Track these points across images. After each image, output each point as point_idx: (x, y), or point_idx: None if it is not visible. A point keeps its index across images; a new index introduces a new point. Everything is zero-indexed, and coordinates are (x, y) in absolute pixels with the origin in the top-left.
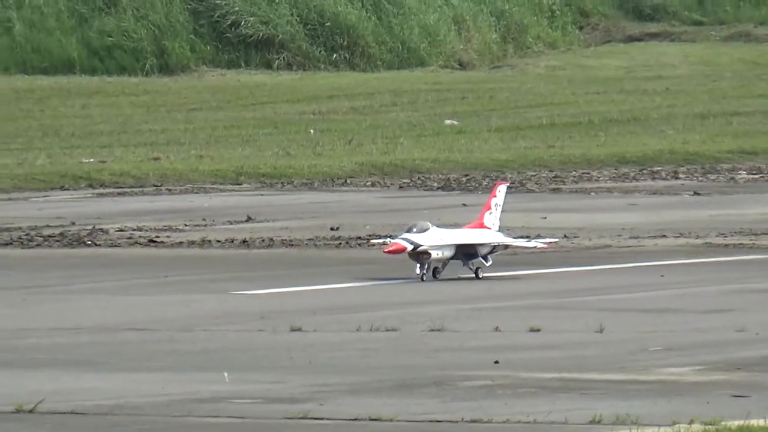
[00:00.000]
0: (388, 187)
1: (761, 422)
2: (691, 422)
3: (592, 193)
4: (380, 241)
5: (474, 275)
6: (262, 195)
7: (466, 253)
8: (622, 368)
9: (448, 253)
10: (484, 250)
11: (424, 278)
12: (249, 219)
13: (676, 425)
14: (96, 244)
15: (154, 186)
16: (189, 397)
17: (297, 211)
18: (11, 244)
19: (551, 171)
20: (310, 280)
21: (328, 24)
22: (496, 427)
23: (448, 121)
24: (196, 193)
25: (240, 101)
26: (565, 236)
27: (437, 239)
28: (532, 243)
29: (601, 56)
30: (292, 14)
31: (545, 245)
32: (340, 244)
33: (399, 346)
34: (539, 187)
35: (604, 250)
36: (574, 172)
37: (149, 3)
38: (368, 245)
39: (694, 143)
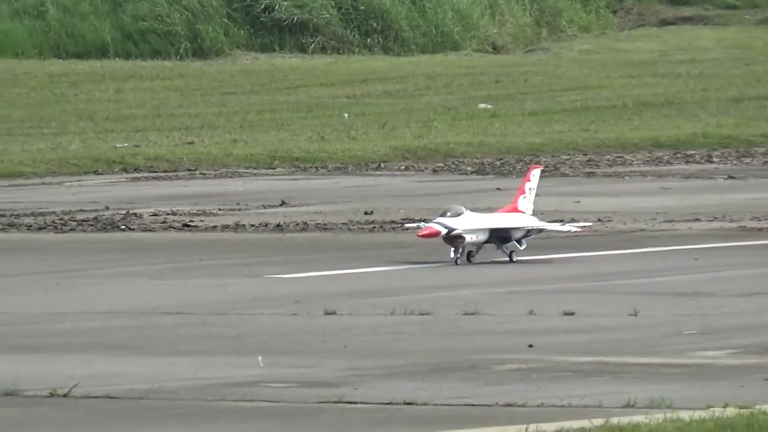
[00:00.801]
0: (422, 171)
1: None
2: (725, 406)
3: (626, 177)
4: (414, 225)
5: (508, 259)
6: (296, 179)
7: (500, 237)
8: (656, 352)
9: (482, 237)
10: (518, 234)
11: (458, 262)
12: (283, 203)
13: (711, 409)
14: (130, 229)
15: (188, 170)
16: (223, 381)
17: (331, 195)
18: (45, 228)
19: (585, 155)
20: (344, 264)
21: (362, 8)
22: (530, 410)
23: (482, 105)
24: (230, 177)
25: (274, 85)
26: (599, 220)
27: (471, 223)
28: (566, 227)
29: (634, 40)
30: None
31: (579, 229)
32: (374, 228)
33: (433, 329)
34: (573, 171)
35: (638, 233)
36: (608, 156)
37: None
38: (402, 229)
39: (728, 127)
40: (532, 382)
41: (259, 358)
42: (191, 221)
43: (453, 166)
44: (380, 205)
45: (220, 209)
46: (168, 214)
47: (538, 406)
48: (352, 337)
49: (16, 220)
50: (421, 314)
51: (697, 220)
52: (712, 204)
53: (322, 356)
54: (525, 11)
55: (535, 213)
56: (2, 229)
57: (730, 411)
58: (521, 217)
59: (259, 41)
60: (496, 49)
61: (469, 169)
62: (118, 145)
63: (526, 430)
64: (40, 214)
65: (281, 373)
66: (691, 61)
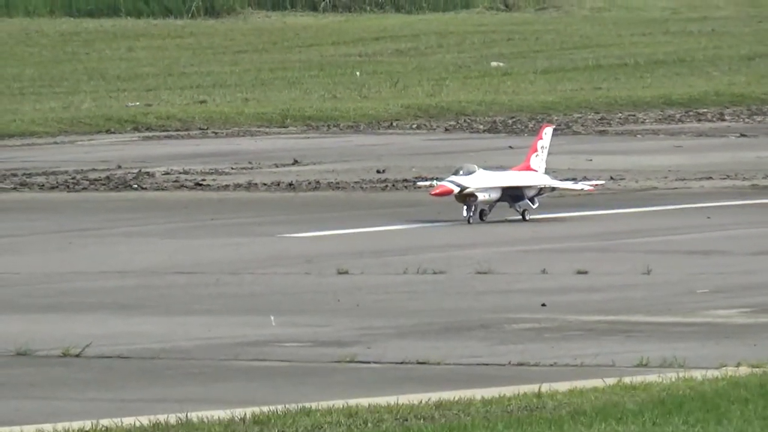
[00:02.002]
0: (434, 129)
1: None
2: (738, 365)
3: (638, 135)
4: (427, 183)
5: (521, 217)
6: (308, 138)
7: (512, 195)
8: (669, 310)
9: (495, 195)
10: (530, 193)
11: (471, 221)
12: (295, 162)
13: (723, 368)
14: (142, 188)
15: (200, 129)
16: (236, 340)
17: (343, 153)
18: (57, 187)
19: (597, 113)
20: (357, 223)
21: None
22: (543, 370)
23: (494, 63)
24: (242, 136)
25: (286, 44)
26: (612, 178)
27: (484, 182)
28: (579, 185)
29: None
30: None
31: (591, 187)
32: (387, 186)
33: (446, 289)
34: (585, 129)
35: (651, 192)
36: (620, 114)
37: None
38: (415, 188)
39: (739, 85)
40: (544, 342)
41: (272, 317)
42: (203, 180)
43: (465, 125)
44: (392, 164)
45: (232, 168)
46: (180, 173)
47: (551, 365)
48: (365, 296)
49: (28, 180)
50: (434, 273)
51: (710, 178)
52: (725, 162)
53: (334, 315)
54: None
55: (547, 171)
56: (15, 189)
57: (743, 370)
58: (534, 175)
59: None
60: (507, 7)
61: (481, 127)
62: (130, 104)
63: (539, 389)
64: (53, 173)
65: (294, 332)
66: (703, 19)
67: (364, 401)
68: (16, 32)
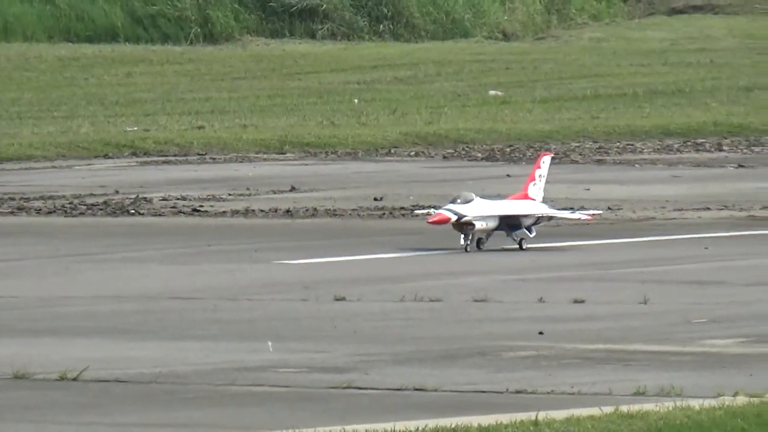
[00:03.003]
0: (432, 157)
1: None
2: (735, 394)
3: (636, 165)
4: (424, 211)
5: (518, 246)
6: (306, 164)
7: (510, 224)
8: (665, 340)
9: (492, 224)
10: (528, 221)
11: (468, 249)
12: (293, 188)
13: (721, 397)
14: (139, 213)
15: (198, 155)
16: (233, 365)
17: (341, 180)
18: (55, 212)
19: (595, 142)
20: (354, 250)
21: None
22: (540, 397)
23: (492, 92)
24: (240, 162)
25: (284, 71)
26: (609, 208)
27: (481, 210)
28: (576, 214)
29: (645, 28)
30: None
31: (589, 217)
32: (384, 214)
33: (443, 316)
34: (583, 159)
35: (648, 222)
36: (618, 144)
37: None
38: (412, 215)
39: (738, 116)
40: (542, 370)
41: (269, 343)
42: (201, 206)
43: (463, 153)
44: (390, 191)
45: (230, 194)
46: (178, 199)
47: (548, 393)
48: (362, 322)
49: (25, 204)
50: (431, 301)
51: (707, 208)
52: (722, 193)
53: (331, 342)
54: None
55: (545, 200)
56: (12, 213)
57: (740, 400)
58: (531, 204)
59: (270, 27)
60: (506, 37)
61: (479, 155)
62: (128, 129)
63: (536, 417)
64: (50, 197)
65: (291, 358)
66: (702, 50)
67: (361, 427)
68: (14, 57)
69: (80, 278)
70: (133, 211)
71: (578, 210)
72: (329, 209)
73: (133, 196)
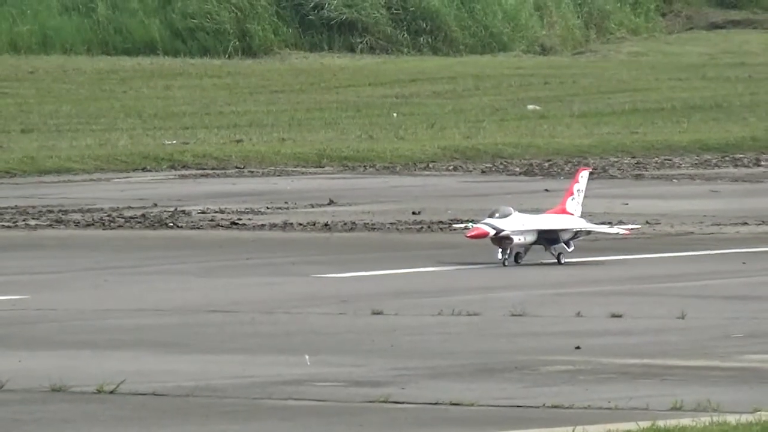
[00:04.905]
0: (471, 171)
1: None
2: None
3: (674, 180)
4: (462, 225)
5: (556, 261)
6: (344, 178)
7: (548, 238)
8: (703, 355)
9: (530, 238)
10: (566, 236)
11: (506, 263)
12: (331, 202)
13: (758, 413)
14: (178, 226)
15: (237, 168)
16: (270, 379)
17: (379, 194)
18: (93, 225)
19: (633, 157)
20: (392, 264)
21: (412, 8)
22: (577, 412)
23: (530, 106)
24: (279, 175)
25: (323, 84)
26: (647, 222)
27: (519, 224)
28: (614, 229)
29: (683, 43)
30: None
31: (627, 231)
32: (422, 228)
33: (480, 330)
34: (621, 173)
35: (686, 236)
36: (657, 159)
37: None
38: (450, 230)
39: None
40: (578, 384)
41: (306, 356)
42: (239, 219)
43: (501, 167)
44: (428, 205)
45: (268, 207)
46: (216, 212)
47: (585, 408)
48: (399, 336)
49: (64, 216)
50: (469, 315)
51: (745, 223)
52: (761, 208)
53: (368, 356)
54: (573, 13)
55: (583, 215)
56: (50, 225)
57: None
58: (569, 218)
59: (308, 40)
60: (544, 51)
61: (518, 170)
62: (167, 142)
63: (573, 431)
64: (88, 210)
65: (328, 372)
66: (740, 65)
67: None
68: (53, 69)
69: (118, 291)
70: (171, 224)
71: (616, 224)
72: (367, 223)
73: (172, 209)
